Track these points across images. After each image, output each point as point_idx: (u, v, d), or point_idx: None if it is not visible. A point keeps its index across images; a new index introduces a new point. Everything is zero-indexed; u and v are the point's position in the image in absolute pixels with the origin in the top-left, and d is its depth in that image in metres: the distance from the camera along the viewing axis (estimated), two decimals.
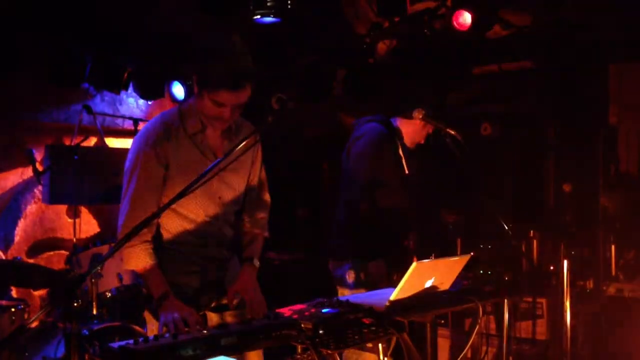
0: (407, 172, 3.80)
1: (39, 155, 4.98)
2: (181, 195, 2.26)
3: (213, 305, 2.83)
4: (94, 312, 3.97)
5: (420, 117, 3.68)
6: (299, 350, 2.41)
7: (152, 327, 2.69)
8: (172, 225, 2.71)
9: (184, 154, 2.66)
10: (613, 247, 4.95)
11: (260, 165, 2.93)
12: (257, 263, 2.83)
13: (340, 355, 2.87)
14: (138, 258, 2.58)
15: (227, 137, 2.75)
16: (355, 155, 3.75)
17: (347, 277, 3.67)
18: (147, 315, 2.73)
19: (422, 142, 3.92)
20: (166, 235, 2.72)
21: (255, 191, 2.92)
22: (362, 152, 3.72)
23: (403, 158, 3.81)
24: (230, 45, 2.53)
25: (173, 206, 2.62)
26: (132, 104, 5.93)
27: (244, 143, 2.40)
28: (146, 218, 2.28)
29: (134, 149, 2.67)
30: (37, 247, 5.43)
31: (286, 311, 2.50)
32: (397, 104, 3.89)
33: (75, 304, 1.96)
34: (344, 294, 3.60)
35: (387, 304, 2.61)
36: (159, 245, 2.68)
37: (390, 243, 3.77)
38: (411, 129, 3.83)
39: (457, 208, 5.31)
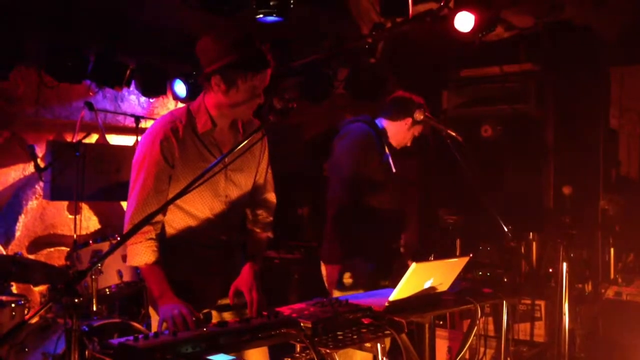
0: (394, 170, 3.73)
1: (40, 152, 4.99)
2: (185, 191, 2.27)
3: (217, 303, 2.84)
4: (94, 308, 3.98)
5: (422, 117, 3.67)
6: (298, 349, 2.42)
7: (156, 323, 2.70)
8: (177, 222, 2.72)
9: (192, 153, 2.67)
10: (612, 250, 4.97)
11: (267, 164, 2.94)
12: (258, 262, 2.84)
13: None
14: (140, 254, 2.59)
15: (235, 135, 2.77)
16: (337, 154, 3.70)
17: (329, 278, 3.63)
18: (152, 311, 2.74)
19: (409, 144, 3.86)
20: (171, 232, 2.73)
21: (260, 190, 2.93)
22: (344, 151, 3.68)
23: (390, 157, 3.76)
24: (244, 33, 2.60)
25: (179, 203, 2.64)
26: (134, 101, 5.94)
27: (249, 139, 2.42)
28: (149, 214, 2.28)
29: (142, 147, 2.68)
30: (38, 243, 5.44)
31: (286, 310, 2.51)
32: (387, 107, 3.84)
33: (76, 300, 1.97)
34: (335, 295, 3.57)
35: (386, 304, 2.62)
36: (163, 242, 2.69)
37: (375, 245, 3.68)
38: (397, 131, 3.79)
39: (456, 209, 5.32)
